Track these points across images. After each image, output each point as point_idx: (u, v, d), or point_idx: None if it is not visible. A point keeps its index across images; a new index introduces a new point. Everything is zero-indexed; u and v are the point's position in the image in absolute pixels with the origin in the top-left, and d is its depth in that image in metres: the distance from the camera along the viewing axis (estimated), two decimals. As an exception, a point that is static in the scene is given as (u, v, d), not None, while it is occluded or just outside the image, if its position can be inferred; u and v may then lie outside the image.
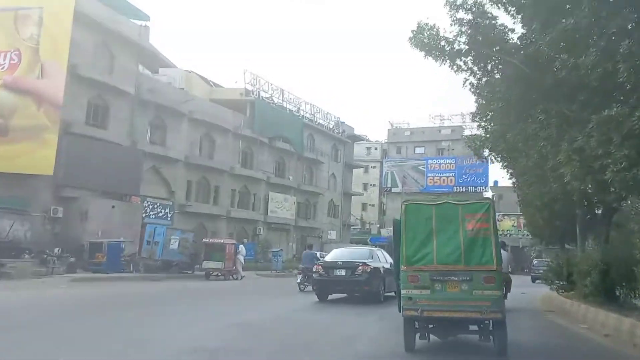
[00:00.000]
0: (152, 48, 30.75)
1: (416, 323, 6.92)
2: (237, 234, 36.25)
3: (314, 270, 13.76)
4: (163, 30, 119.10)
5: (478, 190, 66.03)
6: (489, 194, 68.26)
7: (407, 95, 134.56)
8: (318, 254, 27.52)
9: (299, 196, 42.84)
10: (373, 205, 73.19)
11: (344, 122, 50.33)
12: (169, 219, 30.28)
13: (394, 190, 68.54)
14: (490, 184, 66.74)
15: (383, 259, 14.06)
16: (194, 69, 38.55)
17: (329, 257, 14.46)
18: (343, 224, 48.88)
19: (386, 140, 74.84)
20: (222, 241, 21.55)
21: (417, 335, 7.00)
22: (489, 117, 13.82)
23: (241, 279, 21.72)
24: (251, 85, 37.96)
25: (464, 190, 66.02)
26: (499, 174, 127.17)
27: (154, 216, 29.51)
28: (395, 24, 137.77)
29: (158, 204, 30.19)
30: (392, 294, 13.01)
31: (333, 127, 48.08)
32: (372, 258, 13.63)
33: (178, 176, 31.64)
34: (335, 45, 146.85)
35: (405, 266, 6.80)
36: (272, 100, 40.50)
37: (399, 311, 7.03)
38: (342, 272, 13.09)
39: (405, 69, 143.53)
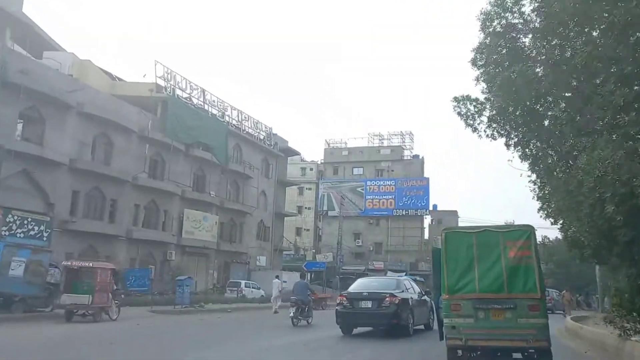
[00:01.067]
0: (29, 21, 24.12)
1: (459, 351, 6.81)
2: (142, 259, 29.38)
3: (338, 302, 12.89)
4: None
5: (419, 214, 62.36)
6: (428, 219, 65.19)
7: (345, 113, 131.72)
8: (278, 282, 23.26)
9: (223, 215, 36.58)
10: (308, 230, 67.68)
11: (276, 134, 44.88)
12: (44, 238, 23.15)
13: (330, 213, 63.52)
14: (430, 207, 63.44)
15: (411, 289, 13.33)
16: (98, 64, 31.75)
17: (353, 288, 13.37)
18: (274, 248, 42.86)
19: (322, 160, 70.13)
20: (90, 264, 14.95)
21: None
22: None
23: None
24: (164, 80, 31.70)
25: (404, 213, 62.14)
26: (439, 198, 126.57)
27: (22, 234, 22.26)
28: (333, 35, 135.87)
29: (29, 220, 23.01)
30: (422, 327, 13.37)
31: (264, 139, 42.46)
32: (400, 288, 12.74)
33: (60, 184, 24.67)
34: (267, 57, 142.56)
35: (447, 295, 6.93)
36: (191, 100, 34.39)
37: (440, 339, 7.70)
38: (369, 304, 12.18)
39: (342, 83, 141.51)
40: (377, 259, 61.16)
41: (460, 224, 67.60)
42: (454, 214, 64.39)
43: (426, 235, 64.38)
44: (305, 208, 68.32)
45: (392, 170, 64.97)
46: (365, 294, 12.47)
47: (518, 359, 6.80)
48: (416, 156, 66.15)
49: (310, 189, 68.97)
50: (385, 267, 55.52)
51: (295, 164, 70.59)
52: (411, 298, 12.78)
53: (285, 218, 48.25)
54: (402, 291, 12.67)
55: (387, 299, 11.98)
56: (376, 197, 63.92)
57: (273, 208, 43.18)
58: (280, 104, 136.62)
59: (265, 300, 29.35)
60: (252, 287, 31.54)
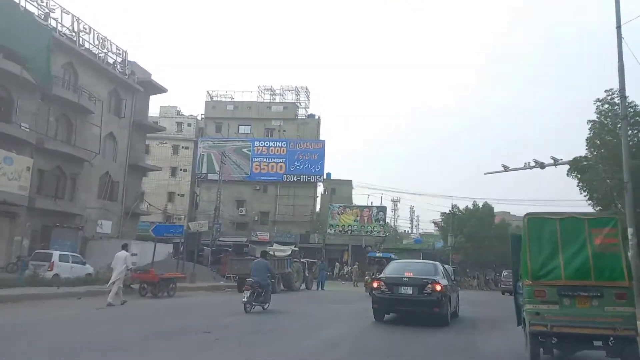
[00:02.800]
0: None
1: (539, 337, 6.83)
2: None
3: (375, 286, 12.13)
4: None
5: (312, 180, 54.81)
6: (321, 187, 58.04)
7: (232, 62, 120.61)
8: (124, 255, 14.78)
9: (42, 159, 25.73)
10: (183, 195, 57.37)
11: (135, 62, 34.20)
12: None
13: (210, 177, 53.76)
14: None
15: (446, 275, 13.01)
16: None
17: (389, 272, 12.58)
18: (126, 211, 32.53)
19: (203, 115, 59.76)
20: None
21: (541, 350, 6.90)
22: None
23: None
24: None
25: (295, 179, 54.26)
26: (332, 165, 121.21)
27: None
28: None
29: None
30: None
31: (115, 64, 31.68)
32: (439, 274, 12.17)
33: None
34: None
35: (530, 281, 6.91)
36: (-13, -18, 22.85)
37: (518, 325, 8.45)
38: (409, 290, 11.58)
39: (228, 26, 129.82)
40: (262, 230, 52.81)
41: (356, 194, 61.79)
42: (348, 183, 57.72)
43: (318, 206, 57.19)
44: (181, 170, 57.89)
45: (284, 131, 56.63)
46: (405, 279, 11.79)
47: (599, 346, 6.57)
48: (312, 115, 58.35)
49: (187, 147, 58.54)
50: (271, 239, 47.40)
51: (169, 118, 59.63)
52: (449, 285, 12.35)
53: (146, 173, 37.85)
54: (442, 277, 12.17)
55: (429, 285, 11.43)
56: (264, 159, 55.34)
57: (126, 158, 32.69)
58: (154, 45, 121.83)
59: (94, 281, 19.54)
60: (73, 262, 21.38)
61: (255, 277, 13.32)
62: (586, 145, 20.56)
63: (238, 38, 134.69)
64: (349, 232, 50.25)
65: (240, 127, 58.02)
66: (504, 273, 36.91)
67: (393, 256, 28.74)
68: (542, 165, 23.38)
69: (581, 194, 20.36)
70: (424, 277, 11.77)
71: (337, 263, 46.44)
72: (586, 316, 6.57)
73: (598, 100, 19.82)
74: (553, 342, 6.79)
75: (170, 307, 14.24)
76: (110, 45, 31.34)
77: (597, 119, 19.99)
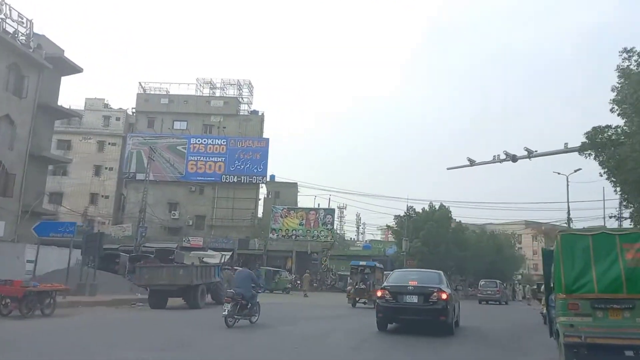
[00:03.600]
0: None
1: (573, 348, 7.04)
2: None
3: (379, 295, 12.10)
4: None
5: (254, 181, 50.56)
6: (264, 190, 53.80)
7: (169, 58, 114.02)
8: None
9: None
10: (108, 197, 51.58)
11: (44, 36, 29.04)
12: None
13: (139, 177, 48.28)
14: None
15: (449, 284, 13.06)
16: None
17: (393, 281, 12.58)
18: (24, 210, 27.17)
19: (134, 109, 54.30)
20: None
21: None
22: None
23: None
24: None
25: (235, 180, 49.89)
26: (278, 167, 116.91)
27: None
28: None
29: None
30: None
31: (17, 34, 26.49)
32: (443, 283, 12.17)
33: None
34: None
35: (564, 294, 7.21)
36: None
37: (550, 336, 9.07)
38: (414, 299, 11.55)
39: (166, 17, 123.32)
40: (197, 234, 47.98)
41: (302, 197, 57.76)
42: (293, 186, 53.90)
43: (260, 210, 52.91)
44: (106, 169, 52.07)
45: (224, 127, 52.19)
46: (410, 287, 11.76)
47: (630, 356, 6.84)
48: (255, 112, 54.19)
49: (114, 144, 52.88)
50: (205, 245, 42.81)
51: (96, 111, 53.83)
52: (451, 293, 12.22)
53: (72, 175, 32.47)
54: (446, 286, 12.18)
55: (434, 293, 11.45)
56: (202, 158, 50.67)
57: (27, 146, 27.36)
58: (88, 37, 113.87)
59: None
60: None
61: (238, 288, 12.39)
62: (615, 107, 15.41)
63: (177, 33, 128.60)
64: (294, 237, 46.33)
65: (175, 122, 53.03)
66: (482, 283, 36.66)
67: (378, 265, 26.58)
68: (513, 158, 20.56)
69: (605, 177, 16.05)
70: (429, 285, 11.76)
71: (280, 271, 42.36)
72: (619, 327, 6.82)
73: (625, 51, 15.16)
74: (586, 353, 6.93)
75: (32, 333, 9.87)
76: (10, 10, 26.14)
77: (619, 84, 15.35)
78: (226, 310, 11.74)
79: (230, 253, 39.85)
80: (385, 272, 46.00)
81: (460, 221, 47.09)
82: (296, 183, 54.12)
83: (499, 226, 63.62)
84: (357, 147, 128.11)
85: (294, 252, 44.64)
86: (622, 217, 55.00)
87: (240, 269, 14.05)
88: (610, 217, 28.64)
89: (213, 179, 50.37)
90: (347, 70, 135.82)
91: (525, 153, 20.19)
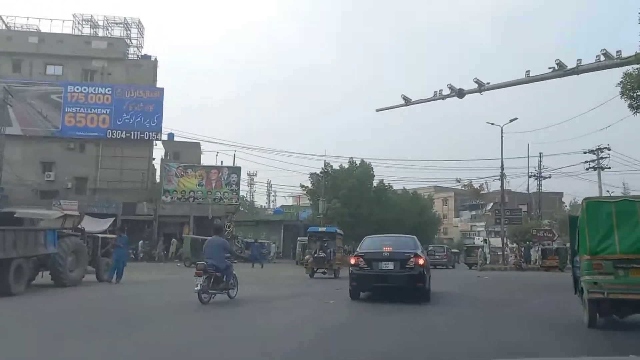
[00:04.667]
0: None
1: (597, 303, 7.95)
2: None
3: (353, 263, 11.80)
4: None
5: (147, 137, 43.51)
6: (160, 147, 46.75)
7: None
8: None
9: None
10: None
11: None
12: None
13: (9, 131, 39.58)
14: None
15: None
16: None
17: (366, 248, 12.22)
18: None
19: (-4, 49, 44.67)
20: None
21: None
22: None
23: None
24: None
25: (124, 136, 42.69)
26: (175, 123, 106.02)
27: None
28: None
29: None
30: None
31: None
32: (418, 248, 12.14)
33: None
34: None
35: (589, 256, 7.92)
36: None
37: (574, 293, 9.64)
38: (390, 265, 11.35)
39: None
40: (78, 199, 40.51)
41: (206, 159, 51.17)
42: (195, 146, 46.99)
43: (158, 173, 45.98)
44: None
45: (110, 74, 44.36)
46: (386, 254, 11.53)
47: None
48: (147, 57, 46.56)
49: (-29, 92, 43.25)
50: (82, 210, 35.76)
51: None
52: (427, 259, 12.33)
53: None
54: (422, 252, 12.27)
55: (411, 259, 11.30)
56: (82, 110, 42.85)
57: None
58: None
59: None
60: None
61: (209, 259, 11.05)
62: None
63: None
64: (192, 199, 40.33)
65: (48, 67, 44.33)
66: (430, 247, 36.81)
67: (338, 230, 24.62)
68: (460, 93, 16.52)
69: None
70: (404, 251, 11.68)
71: (173, 240, 36.44)
72: (638, 284, 7.58)
73: None
74: (607, 307, 7.91)
75: None
76: None
77: None
78: (199, 285, 10.57)
79: (112, 219, 33.54)
80: (299, 239, 42.16)
81: (382, 180, 43.50)
82: (199, 143, 47.50)
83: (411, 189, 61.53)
84: (268, 98, 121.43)
85: (192, 218, 38.77)
86: (542, 177, 54.99)
87: (213, 237, 11.96)
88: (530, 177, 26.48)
89: (96, 134, 42.83)
90: (253, 13, 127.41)
91: (475, 86, 16.08)
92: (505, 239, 45.69)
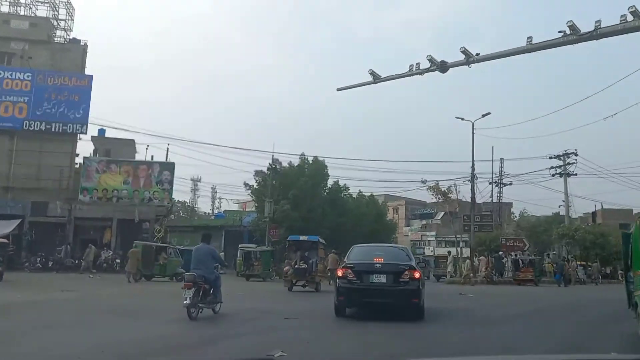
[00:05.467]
0: None
1: None
2: None
3: (340, 275, 10.71)
4: None
5: (71, 130, 38.32)
6: (86, 140, 41.44)
7: None
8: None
9: None
10: None
11: None
12: None
13: None
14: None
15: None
16: None
17: (355, 258, 11.06)
18: None
19: None
20: None
21: None
22: None
23: None
24: None
25: (44, 128, 37.52)
26: (103, 114, 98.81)
27: None
28: None
29: None
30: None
31: None
32: (412, 259, 11.19)
33: None
34: None
35: None
36: None
37: (628, 308, 9.75)
38: (382, 279, 10.34)
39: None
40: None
41: (140, 156, 45.91)
42: (129, 144, 41.67)
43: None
44: None
45: (30, 58, 39.07)
46: (377, 265, 10.46)
47: None
48: (75, 40, 41.49)
49: None
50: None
51: None
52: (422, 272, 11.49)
53: None
54: (418, 263, 11.97)
55: (406, 272, 10.33)
56: (-5, 97, 37.40)
57: None
58: None
59: None
60: None
61: (197, 269, 10.39)
62: None
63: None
64: (115, 199, 35.36)
65: (-43, 47, 38.81)
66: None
67: (321, 240, 22.87)
68: (442, 67, 12.82)
69: None
70: (398, 262, 10.79)
71: (90, 246, 31.40)
72: None
73: None
74: None
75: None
76: None
77: None
78: (187, 299, 9.72)
79: (18, 221, 28.69)
80: (240, 246, 37.78)
81: (337, 181, 39.54)
82: (133, 140, 42.31)
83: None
84: (209, 91, 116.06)
85: (115, 221, 33.76)
86: (503, 183, 52.17)
87: (200, 244, 10.99)
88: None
89: (11, 125, 37.50)
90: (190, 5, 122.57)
91: (463, 58, 12.39)
92: (462, 250, 42.64)
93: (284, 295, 18.27)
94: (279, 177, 36.73)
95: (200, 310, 10.12)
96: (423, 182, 37.61)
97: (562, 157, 45.14)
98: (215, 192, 69.01)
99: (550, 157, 45.60)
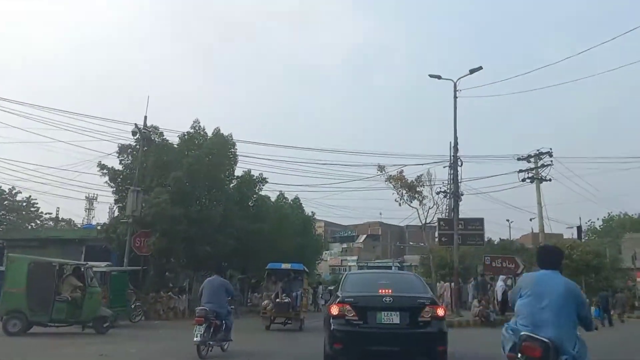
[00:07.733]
0: None
1: None
2: None
3: (335, 313, 7.49)
4: None
5: None
6: None
7: None
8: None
9: None
10: None
11: None
12: None
13: None
14: None
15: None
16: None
17: (353, 289, 7.99)
18: None
19: None
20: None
21: None
22: None
23: None
24: None
25: None
26: None
27: None
28: None
29: None
30: None
31: None
32: (428, 290, 8.11)
33: None
34: None
35: None
36: None
37: None
38: (394, 318, 7.36)
39: None
40: None
41: None
42: None
43: None
44: None
45: None
46: (387, 299, 7.44)
47: None
48: None
49: None
50: None
51: None
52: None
53: None
54: (434, 295, 9.11)
55: (426, 309, 7.38)
56: None
57: None
58: None
59: None
60: None
61: (209, 303, 9.72)
62: None
63: None
64: None
65: None
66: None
67: (305, 269, 18.09)
68: None
69: None
70: (415, 295, 7.71)
71: None
72: None
73: None
74: None
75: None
76: None
77: None
78: (198, 335, 9.17)
79: None
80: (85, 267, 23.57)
81: (250, 170, 26.10)
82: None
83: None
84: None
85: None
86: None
87: (213, 277, 10.25)
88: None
89: None
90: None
91: None
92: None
93: (261, 335, 14.98)
94: (155, 153, 22.78)
95: (211, 349, 9.64)
96: (380, 168, 25.60)
97: (533, 158, 36.15)
98: (96, 199, 50.61)
99: (519, 159, 36.52)
